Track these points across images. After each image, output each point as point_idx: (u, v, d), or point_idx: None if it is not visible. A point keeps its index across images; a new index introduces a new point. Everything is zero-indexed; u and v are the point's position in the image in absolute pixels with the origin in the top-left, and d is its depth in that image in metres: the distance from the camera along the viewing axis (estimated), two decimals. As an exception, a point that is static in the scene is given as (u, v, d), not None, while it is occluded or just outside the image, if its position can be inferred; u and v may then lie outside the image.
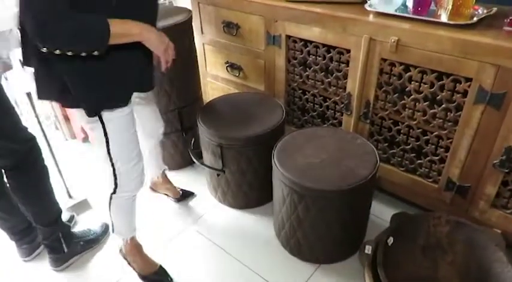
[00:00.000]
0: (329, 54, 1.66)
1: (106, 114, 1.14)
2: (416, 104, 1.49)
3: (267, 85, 1.98)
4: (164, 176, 1.88)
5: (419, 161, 1.61)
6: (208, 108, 1.84)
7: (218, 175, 1.77)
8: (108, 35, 0.97)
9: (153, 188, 1.94)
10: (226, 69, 2.12)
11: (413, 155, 1.61)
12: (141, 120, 1.53)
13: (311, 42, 1.69)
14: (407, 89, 1.49)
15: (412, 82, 1.46)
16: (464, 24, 1.31)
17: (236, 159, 1.69)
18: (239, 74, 2.08)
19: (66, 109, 2.30)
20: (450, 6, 1.40)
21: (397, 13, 1.45)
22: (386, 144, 1.68)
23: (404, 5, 1.52)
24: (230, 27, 1.94)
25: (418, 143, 1.57)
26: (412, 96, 1.49)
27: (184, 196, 1.91)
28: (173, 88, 1.87)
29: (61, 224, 1.60)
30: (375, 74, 1.54)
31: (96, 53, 0.99)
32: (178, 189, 1.92)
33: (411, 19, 1.41)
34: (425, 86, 1.43)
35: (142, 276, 1.52)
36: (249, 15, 1.84)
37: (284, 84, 1.90)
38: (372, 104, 1.61)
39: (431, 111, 1.46)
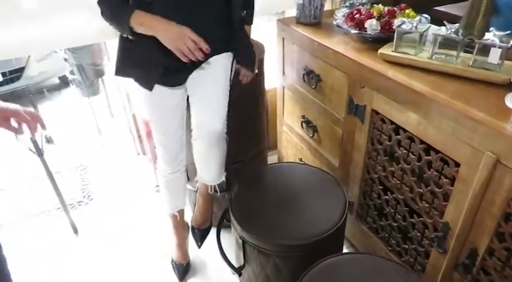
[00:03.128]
0: (427, 157, 1.06)
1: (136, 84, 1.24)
2: None
3: (341, 162, 1.46)
4: (202, 190, 1.46)
5: None
6: (251, 180, 1.42)
7: (233, 273, 1.36)
8: (128, 22, 1.07)
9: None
10: (301, 124, 1.65)
11: None
12: (192, 108, 1.31)
13: (405, 130, 1.11)
14: (551, 267, 0.81)
15: None
16: None
17: (261, 263, 1.25)
18: (313, 135, 1.59)
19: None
20: None
21: None
22: (495, 324, 1.00)
23: None
24: (310, 77, 1.47)
25: None
26: (558, 283, 0.80)
27: (199, 235, 1.55)
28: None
29: None
30: (494, 217, 0.89)
31: (126, 35, 1.12)
32: (204, 222, 1.53)
33: None
34: None
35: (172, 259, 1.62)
36: (333, 69, 1.34)
37: (361, 170, 1.35)
38: (481, 257, 0.96)
39: None
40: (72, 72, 2.36)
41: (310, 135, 1.61)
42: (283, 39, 1.61)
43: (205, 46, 1.09)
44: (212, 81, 1.25)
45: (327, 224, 1.19)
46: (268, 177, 1.44)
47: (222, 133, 1.28)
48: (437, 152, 1.01)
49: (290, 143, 1.86)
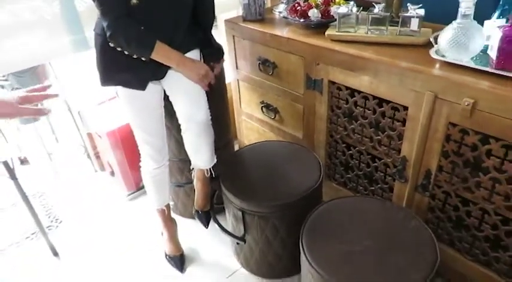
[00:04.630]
0: (381, 109, 1.34)
1: (119, 88, 1.36)
2: (497, 185, 1.13)
3: (305, 133, 1.70)
4: (199, 176, 1.59)
5: (495, 254, 1.23)
6: (233, 161, 1.60)
7: (238, 244, 1.51)
8: (151, 51, 1.24)
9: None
10: (262, 109, 1.87)
11: (488, 245, 1.24)
12: (176, 104, 1.47)
13: (359, 91, 1.38)
14: (484, 165, 1.13)
15: (492, 158, 1.10)
16: None
17: (260, 227, 1.43)
18: (275, 116, 1.81)
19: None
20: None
21: (474, 65, 1.10)
22: (451, 224, 1.32)
23: (484, 52, 1.16)
24: (266, 66, 1.69)
25: (495, 232, 1.20)
26: (490, 175, 1.12)
27: (204, 216, 1.65)
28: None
29: None
30: (439, 141, 1.20)
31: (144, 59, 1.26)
32: (205, 205, 1.63)
33: (494, 75, 1.05)
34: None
35: (165, 254, 1.72)
36: (288, 55, 1.57)
37: (325, 135, 1.61)
38: (434, 175, 1.27)
39: (518, 197, 1.09)
40: (8, 99, 2.24)
41: (272, 117, 1.83)
42: (233, 36, 1.81)
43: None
44: None
45: (310, 182, 1.42)
46: (247, 157, 1.62)
47: (208, 121, 1.43)
48: (388, 102, 1.30)
49: (251, 130, 2.05)
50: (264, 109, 1.85)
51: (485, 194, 1.17)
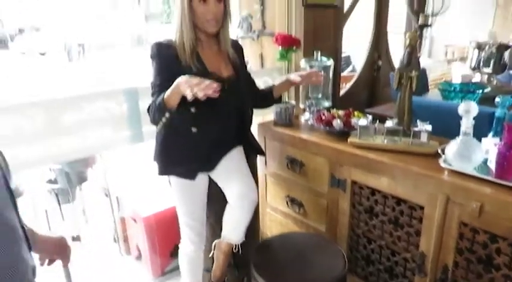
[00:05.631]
0: (399, 207, 1.53)
1: (172, 177, 1.60)
2: (508, 281, 1.25)
3: (328, 227, 1.86)
4: (226, 248, 1.66)
5: None
6: (263, 249, 1.73)
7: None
8: (163, 98, 1.34)
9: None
10: (287, 203, 2.05)
11: None
12: (227, 184, 1.63)
13: (379, 191, 1.59)
14: (495, 262, 1.27)
15: (502, 255, 1.25)
16: None
17: (289, 315, 1.50)
18: (299, 210, 1.99)
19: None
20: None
21: (477, 174, 1.32)
22: (471, 321, 1.40)
23: (485, 162, 1.39)
24: (294, 164, 1.93)
25: (513, 330, 1.28)
26: (501, 271, 1.26)
27: None
28: (220, 222, 1.80)
29: None
30: (453, 238, 1.36)
31: (167, 114, 1.36)
32: (222, 277, 1.68)
33: (494, 183, 1.27)
34: (519, 262, 1.21)
35: None
36: (314, 156, 1.82)
37: (347, 229, 1.76)
38: (451, 271, 1.39)
39: (529, 294, 1.20)
40: (53, 181, 2.48)
41: (297, 211, 2.00)
42: (265, 137, 2.09)
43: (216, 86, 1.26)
44: (237, 161, 1.65)
45: (336, 271, 1.53)
46: (276, 246, 1.75)
47: (257, 199, 1.62)
48: (405, 202, 1.49)
49: (274, 222, 2.21)
50: (289, 203, 2.04)
51: (499, 291, 1.28)
